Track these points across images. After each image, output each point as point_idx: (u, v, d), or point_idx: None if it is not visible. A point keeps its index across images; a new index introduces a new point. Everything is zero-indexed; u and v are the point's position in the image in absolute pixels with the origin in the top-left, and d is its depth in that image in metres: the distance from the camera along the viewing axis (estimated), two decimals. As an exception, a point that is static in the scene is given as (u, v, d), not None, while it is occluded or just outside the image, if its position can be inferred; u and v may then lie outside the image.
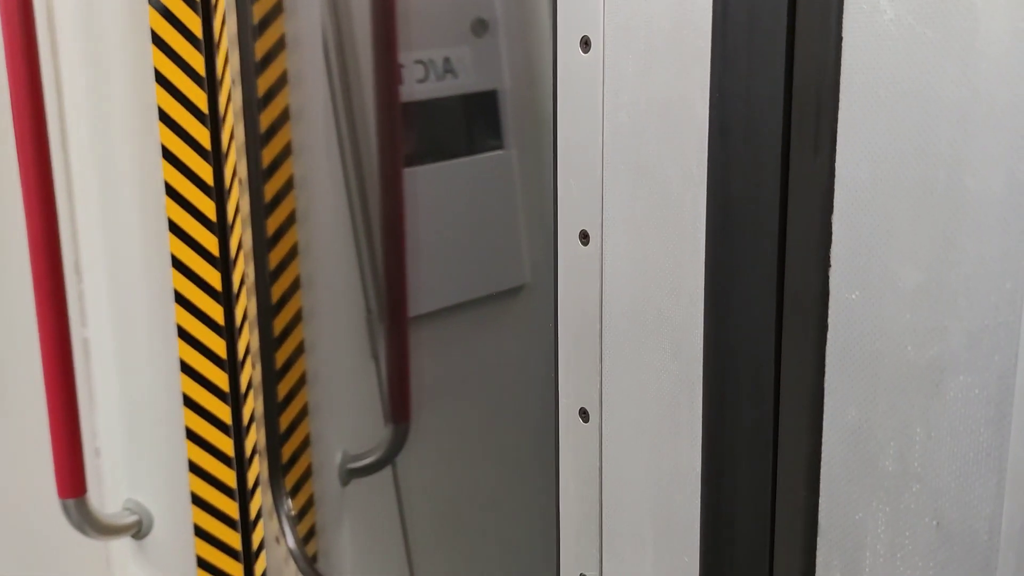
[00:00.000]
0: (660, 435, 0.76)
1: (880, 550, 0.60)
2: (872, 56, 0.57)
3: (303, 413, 1.59)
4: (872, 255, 0.58)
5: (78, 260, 1.65)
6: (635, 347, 0.77)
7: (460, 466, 1.61)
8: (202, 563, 1.54)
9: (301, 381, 1.58)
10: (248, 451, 1.54)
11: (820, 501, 0.64)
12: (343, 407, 1.66)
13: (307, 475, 1.62)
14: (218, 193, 1.42)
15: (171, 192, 1.40)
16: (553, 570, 0.89)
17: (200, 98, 1.39)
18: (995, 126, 0.51)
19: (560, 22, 0.80)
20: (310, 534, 1.61)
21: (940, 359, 0.55)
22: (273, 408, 1.54)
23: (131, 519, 1.64)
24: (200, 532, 1.54)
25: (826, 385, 0.62)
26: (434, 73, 1.59)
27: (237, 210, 1.44)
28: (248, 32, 1.43)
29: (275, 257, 1.52)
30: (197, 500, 1.52)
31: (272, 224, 1.50)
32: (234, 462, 1.52)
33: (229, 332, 1.48)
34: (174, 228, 1.42)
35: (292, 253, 1.54)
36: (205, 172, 1.41)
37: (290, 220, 1.52)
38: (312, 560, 1.59)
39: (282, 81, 1.49)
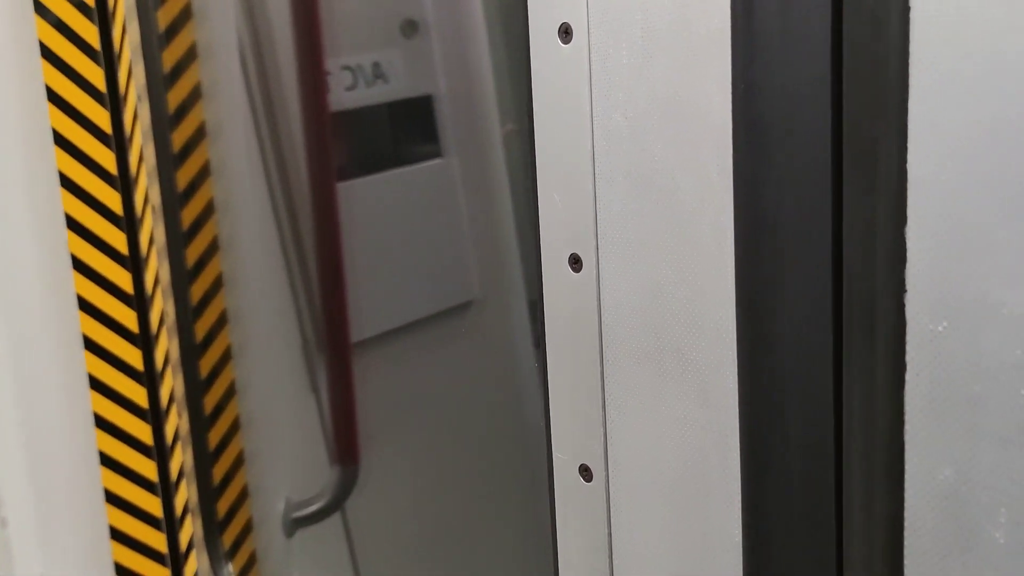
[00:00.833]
0: (686, 498, 0.63)
1: (994, 645, 0.48)
2: (951, 23, 0.45)
3: (239, 462, 1.44)
4: (963, 275, 0.47)
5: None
6: (648, 393, 0.64)
7: (417, 507, 1.48)
8: (133, 644, 1.37)
9: (234, 426, 1.43)
10: (179, 510, 1.38)
11: (904, 580, 0.52)
12: (283, 451, 1.51)
13: (247, 530, 1.47)
14: (128, 223, 1.25)
15: (73, 225, 1.23)
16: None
17: (102, 117, 1.23)
18: None
19: (532, 7, 0.66)
20: (255, 596, 1.45)
21: (1067, 405, 0.44)
22: (204, 459, 1.38)
23: (47, 598, 1.45)
24: (129, 609, 1.36)
25: (907, 438, 0.50)
26: (363, 79, 1.47)
27: (151, 241, 1.28)
28: (153, 41, 1.28)
29: (197, 291, 1.36)
30: (122, 571, 1.34)
31: (192, 254, 1.34)
32: (163, 524, 1.36)
33: (149, 378, 1.32)
34: (79, 265, 1.25)
35: (216, 285, 1.39)
36: (112, 200, 1.24)
37: (212, 248, 1.37)
38: (260, 627, 1.43)
39: (195, 95, 1.34)
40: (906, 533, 0.51)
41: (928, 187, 0.47)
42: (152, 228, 1.28)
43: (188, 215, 1.34)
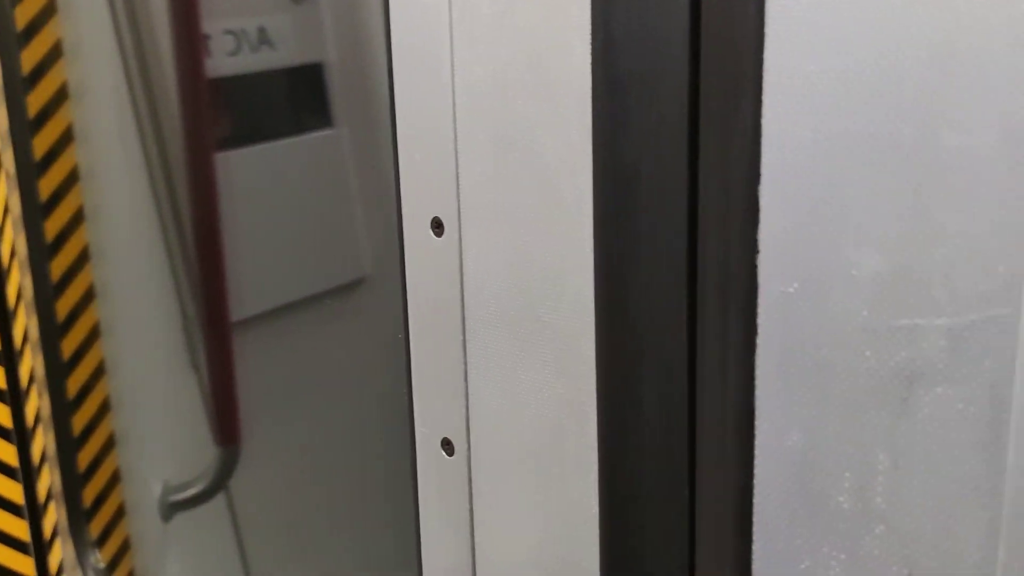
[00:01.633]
0: (544, 469, 0.61)
1: (837, 610, 0.48)
2: (805, -22, 0.43)
3: (108, 445, 1.36)
4: (815, 235, 0.46)
5: None
6: (509, 362, 0.62)
7: (301, 486, 1.44)
8: (-11, 639, 1.29)
9: (103, 408, 1.35)
10: (42, 496, 1.30)
11: (754, 548, 0.51)
12: (159, 432, 1.44)
13: (118, 517, 1.40)
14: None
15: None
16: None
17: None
18: (980, 61, 0.39)
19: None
20: (127, 586, 1.38)
21: (910, 367, 0.43)
22: (68, 443, 1.30)
23: None
24: (-16, 602, 1.28)
25: (757, 403, 0.49)
26: (247, 44, 1.41)
27: (6, 212, 1.19)
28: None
29: (59, 265, 1.28)
30: (-21, 562, 1.26)
31: (52, 226, 1.25)
32: (25, 511, 1.28)
33: (7, 358, 1.23)
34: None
35: (81, 259, 1.30)
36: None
37: (76, 219, 1.28)
38: (131, 617, 1.37)
39: (55, 53, 1.24)
40: (755, 499, 0.50)
41: (783, 144, 0.46)
42: (6, 198, 1.19)
43: (47, 184, 1.25)
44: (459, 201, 0.63)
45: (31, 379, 1.26)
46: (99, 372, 1.34)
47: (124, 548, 1.42)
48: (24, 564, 1.31)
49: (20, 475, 1.27)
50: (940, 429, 0.43)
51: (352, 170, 1.42)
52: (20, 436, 1.26)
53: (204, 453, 1.43)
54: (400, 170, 0.66)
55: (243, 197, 1.37)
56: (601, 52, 0.52)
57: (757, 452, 0.50)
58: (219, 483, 1.46)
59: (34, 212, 1.22)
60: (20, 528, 1.29)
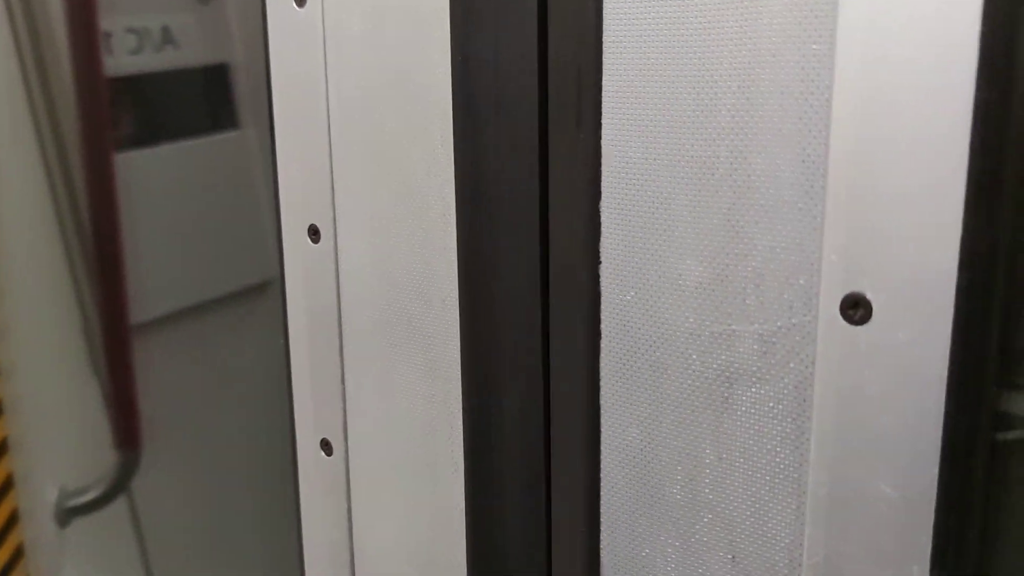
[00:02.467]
0: (417, 468, 0.64)
1: (671, 593, 0.52)
2: (640, 10, 0.47)
3: (0, 450, 1.33)
4: (648, 248, 0.49)
5: None
6: (383, 365, 0.64)
7: (206, 488, 1.44)
8: None
9: (-4, 411, 1.32)
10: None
11: (602, 537, 0.54)
12: (56, 437, 1.42)
13: (11, 523, 1.37)
14: None
15: None
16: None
17: None
18: (782, 93, 0.43)
19: None
20: (17, 595, 1.36)
21: (729, 368, 0.47)
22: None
23: None
24: None
25: (602, 402, 0.53)
26: (150, 44, 1.39)
27: None
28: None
29: (-52, 265, 1.25)
30: None
31: (-59, 225, 1.23)
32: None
33: None
34: None
35: (-28, 259, 1.27)
36: None
37: (-34, 219, 1.25)
38: (22, 626, 1.34)
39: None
40: (602, 492, 0.54)
41: (618, 163, 0.50)
42: None
43: (-64, 181, 1.22)
44: (335, 209, 0.65)
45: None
46: (-9, 375, 1.31)
47: (18, 554, 1.40)
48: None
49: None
50: (755, 425, 0.47)
51: (258, 172, 1.42)
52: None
53: (103, 457, 1.41)
54: (279, 178, 0.68)
55: (146, 198, 1.36)
56: (460, 71, 0.55)
57: (603, 446, 0.53)
58: (119, 487, 1.44)
59: (-80, 213, 1.19)
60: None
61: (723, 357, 0.48)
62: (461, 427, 0.60)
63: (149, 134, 1.40)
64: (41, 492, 1.39)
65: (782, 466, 0.46)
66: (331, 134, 0.64)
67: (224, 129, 1.46)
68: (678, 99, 0.46)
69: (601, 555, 0.55)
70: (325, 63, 0.63)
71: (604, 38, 0.49)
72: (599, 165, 0.50)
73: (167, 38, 1.42)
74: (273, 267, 1.47)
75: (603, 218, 0.51)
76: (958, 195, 0.39)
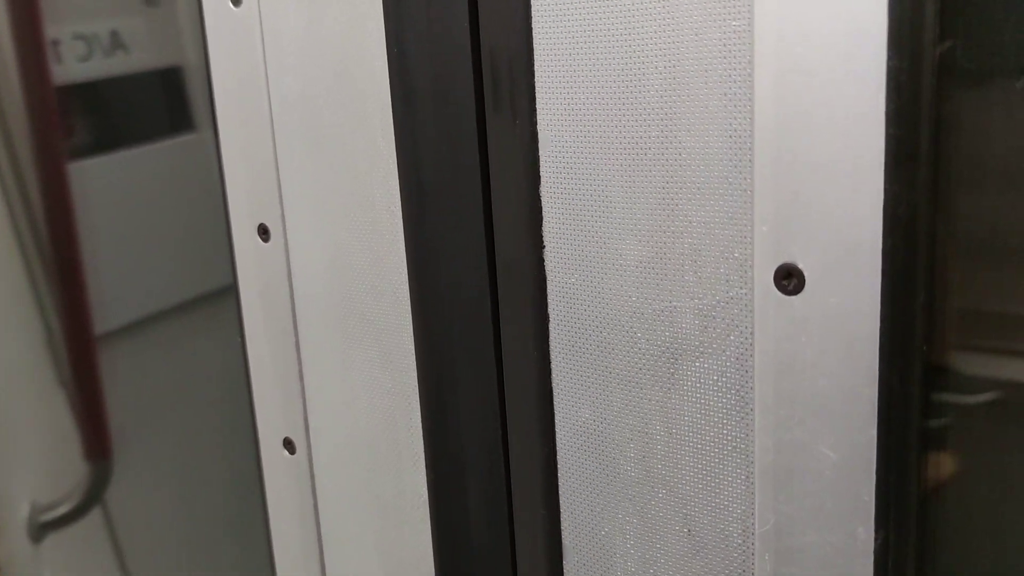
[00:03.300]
0: (378, 460, 0.64)
1: (632, 567, 0.52)
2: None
3: (-31, 469, 1.32)
4: (588, 230, 0.50)
5: None
6: (339, 359, 0.65)
7: (181, 492, 1.43)
8: None
9: (-39, 430, 1.31)
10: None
11: (562, 517, 0.55)
12: (25, 452, 1.41)
13: (-15, 541, 1.36)
14: None
15: None
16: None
17: None
18: (706, 72, 0.43)
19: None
20: (-6, 613, 1.35)
21: (673, 344, 0.48)
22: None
23: None
24: None
25: (554, 384, 0.53)
26: (100, 49, 1.38)
27: None
28: None
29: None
30: None
31: None
32: None
33: None
34: None
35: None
36: None
37: (-81, 237, 1.24)
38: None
39: None
40: (559, 472, 0.54)
41: (554, 148, 0.50)
42: None
43: None
44: (282, 207, 0.65)
45: None
46: (-45, 394, 1.30)
47: (-6, 573, 1.39)
48: None
49: None
50: (701, 399, 0.48)
51: (216, 173, 1.41)
52: None
53: (74, 469, 1.40)
54: (225, 179, 0.68)
55: (105, 206, 1.35)
56: (397, 63, 0.56)
57: (557, 428, 0.54)
58: (92, 499, 1.43)
59: None
60: None
61: (667, 333, 0.48)
62: (419, 418, 0.61)
63: (105, 140, 1.39)
64: (13, 509, 1.38)
65: (729, 437, 0.47)
66: (275, 132, 0.64)
67: (180, 132, 1.44)
68: (607, 83, 0.47)
69: (563, 536, 0.56)
70: (264, 62, 0.63)
71: (533, 26, 0.49)
72: (536, 151, 0.51)
73: (117, 43, 1.41)
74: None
75: (543, 203, 0.51)
76: (877, 162, 0.39)
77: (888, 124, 0.39)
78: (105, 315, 1.35)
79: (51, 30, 1.29)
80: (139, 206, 1.36)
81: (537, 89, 0.50)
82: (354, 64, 0.58)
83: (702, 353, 0.47)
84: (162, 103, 1.44)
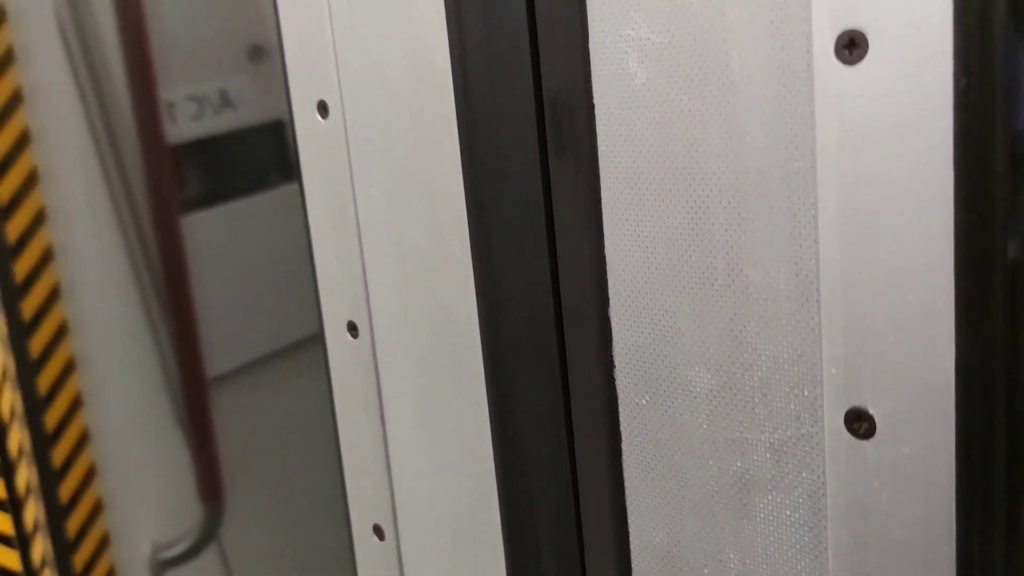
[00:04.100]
0: (460, 550, 0.66)
1: None
2: (628, 126, 0.48)
3: (95, 511, 1.41)
4: (657, 354, 0.50)
5: None
6: (426, 458, 0.66)
7: (291, 530, 1.48)
8: None
9: (89, 475, 1.40)
10: (36, 563, 1.35)
11: (637, 635, 0.55)
12: (146, 493, 1.49)
13: (110, 579, 1.44)
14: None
15: None
16: None
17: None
18: (770, 209, 0.43)
19: (292, 84, 0.67)
20: (119, 651, 1.43)
21: (745, 475, 0.48)
22: (56, 512, 1.35)
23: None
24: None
25: (628, 503, 0.53)
26: (210, 108, 1.45)
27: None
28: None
29: (38, 342, 1.33)
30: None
31: (29, 305, 1.30)
32: (19, 580, 1.32)
33: (-5, 435, 1.28)
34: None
35: (60, 333, 1.35)
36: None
37: (52, 297, 1.33)
38: None
39: (24, 140, 1.29)
40: (634, 592, 0.54)
41: (622, 273, 0.50)
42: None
43: (22, 266, 1.30)
44: (369, 305, 0.67)
45: (19, 452, 1.31)
46: (83, 440, 1.39)
47: (120, 607, 1.47)
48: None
49: (16, 543, 1.32)
50: (775, 532, 0.47)
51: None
52: (13, 504, 1.31)
53: (190, 509, 1.47)
54: (319, 279, 0.71)
55: (215, 255, 1.41)
56: (471, 178, 0.57)
57: (632, 550, 0.54)
58: (207, 537, 1.50)
59: (12, 292, 1.27)
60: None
61: (738, 464, 0.48)
62: (497, 513, 0.62)
63: (215, 193, 1.45)
64: (135, 547, 1.46)
65: (804, 574, 0.46)
66: (360, 234, 0.66)
67: (283, 183, 1.50)
68: (673, 213, 0.47)
69: (638, 650, 0.55)
70: (350, 167, 0.65)
71: (599, 150, 0.50)
72: (604, 274, 0.51)
73: (225, 101, 1.48)
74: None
75: (613, 325, 0.52)
76: (947, 313, 0.38)
77: (958, 276, 0.38)
78: (215, 359, 1.42)
79: (166, 93, 1.37)
80: (248, 254, 1.42)
81: (604, 215, 0.50)
82: (429, 177, 0.60)
83: (774, 487, 0.46)
84: (268, 155, 1.50)
